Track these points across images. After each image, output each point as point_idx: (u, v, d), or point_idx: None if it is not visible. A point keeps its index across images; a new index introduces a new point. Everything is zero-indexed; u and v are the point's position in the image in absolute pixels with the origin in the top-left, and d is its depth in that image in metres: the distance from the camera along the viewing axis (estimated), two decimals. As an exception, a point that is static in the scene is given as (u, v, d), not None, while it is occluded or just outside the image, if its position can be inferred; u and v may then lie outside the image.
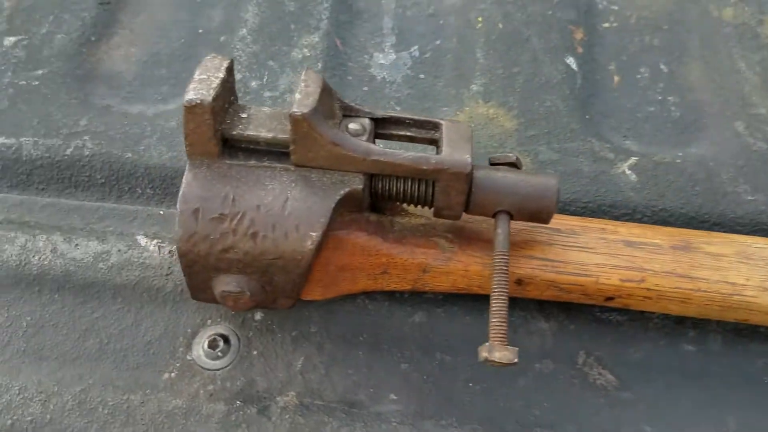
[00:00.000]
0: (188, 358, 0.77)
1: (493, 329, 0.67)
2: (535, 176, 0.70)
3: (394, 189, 0.71)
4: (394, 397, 0.75)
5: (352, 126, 0.69)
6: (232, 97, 0.71)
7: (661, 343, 0.78)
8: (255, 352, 0.78)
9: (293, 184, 0.68)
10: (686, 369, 0.77)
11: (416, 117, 0.72)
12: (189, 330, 0.79)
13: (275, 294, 0.73)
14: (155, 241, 0.83)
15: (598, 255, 0.74)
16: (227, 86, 0.69)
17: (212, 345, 0.78)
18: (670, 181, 0.87)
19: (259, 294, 0.72)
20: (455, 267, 0.74)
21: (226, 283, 0.71)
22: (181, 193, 0.68)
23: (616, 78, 0.98)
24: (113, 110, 0.94)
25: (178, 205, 0.68)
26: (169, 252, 0.83)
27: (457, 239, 0.75)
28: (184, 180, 0.68)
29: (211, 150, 0.68)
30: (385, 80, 0.98)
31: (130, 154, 0.90)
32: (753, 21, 1.02)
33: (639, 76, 0.98)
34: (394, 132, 0.72)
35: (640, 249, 0.74)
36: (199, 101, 0.64)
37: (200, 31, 1.03)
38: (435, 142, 0.72)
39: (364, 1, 1.07)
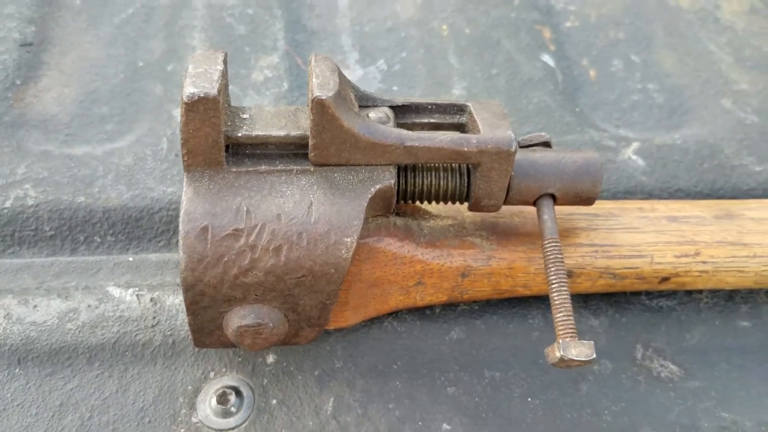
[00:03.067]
0: (194, 420, 0.64)
1: (561, 324, 0.59)
2: (574, 152, 0.64)
3: (427, 183, 0.62)
4: (448, 427, 0.64)
5: (374, 115, 0.61)
6: (227, 98, 0.61)
7: (716, 323, 0.72)
8: (274, 401, 0.65)
9: (315, 187, 0.58)
10: (746, 346, 0.71)
11: (439, 101, 0.64)
12: (190, 387, 0.66)
13: (299, 324, 0.62)
14: (131, 290, 0.70)
15: (646, 234, 0.68)
16: (225, 82, 0.59)
17: (222, 400, 0.64)
18: (677, 162, 0.83)
19: (281, 325, 0.61)
20: (498, 266, 0.66)
21: (242, 317, 0.59)
22: (182, 212, 0.56)
23: (592, 72, 0.95)
24: (54, 154, 0.81)
25: (180, 227, 0.56)
26: (151, 300, 0.69)
27: (494, 236, 0.67)
28: (183, 197, 0.57)
29: (215, 157, 0.57)
30: (358, 95, 0.90)
31: (82, 198, 0.76)
32: (710, 6, 1.02)
33: (614, 69, 0.96)
34: (416, 120, 0.64)
35: (685, 222, 0.69)
36: (202, 95, 0.54)
37: (141, 64, 0.92)
38: (462, 127, 0.64)
39: (318, 20, 1.00)
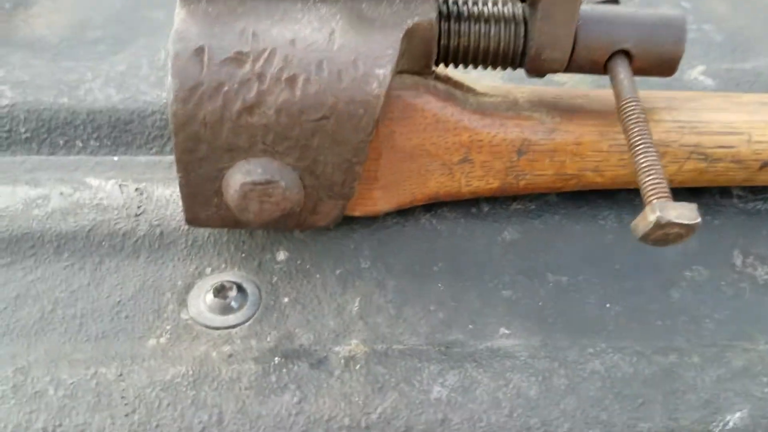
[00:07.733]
0: (183, 317, 0.50)
1: (653, 188, 0.46)
2: (652, 9, 0.54)
3: (474, 33, 0.51)
4: (507, 331, 0.50)
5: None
6: None
7: (827, 227, 0.59)
8: (286, 299, 0.52)
9: (337, 17, 0.47)
10: None
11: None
12: (180, 283, 0.52)
13: (317, 193, 0.50)
14: (112, 181, 0.58)
15: (739, 114, 0.56)
16: None
17: (220, 295, 0.51)
18: (750, 83, 0.73)
19: (295, 188, 0.48)
20: (563, 141, 0.54)
21: (247, 172, 0.47)
22: (173, 31, 0.46)
23: (639, 16, 0.87)
24: (39, 64, 0.71)
25: (170, 46, 0.45)
26: (137, 190, 0.57)
27: (556, 111, 0.55)
28: (176, 18, 0.46)
29: (218, -30, 0.47)
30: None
31: (65, 99, 0.65)
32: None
33: (663, 14, 0.87)
34: None
35: (784, 105, 0.57)
36: None
37: (144, -5, 0.84)
38: None
39: None
